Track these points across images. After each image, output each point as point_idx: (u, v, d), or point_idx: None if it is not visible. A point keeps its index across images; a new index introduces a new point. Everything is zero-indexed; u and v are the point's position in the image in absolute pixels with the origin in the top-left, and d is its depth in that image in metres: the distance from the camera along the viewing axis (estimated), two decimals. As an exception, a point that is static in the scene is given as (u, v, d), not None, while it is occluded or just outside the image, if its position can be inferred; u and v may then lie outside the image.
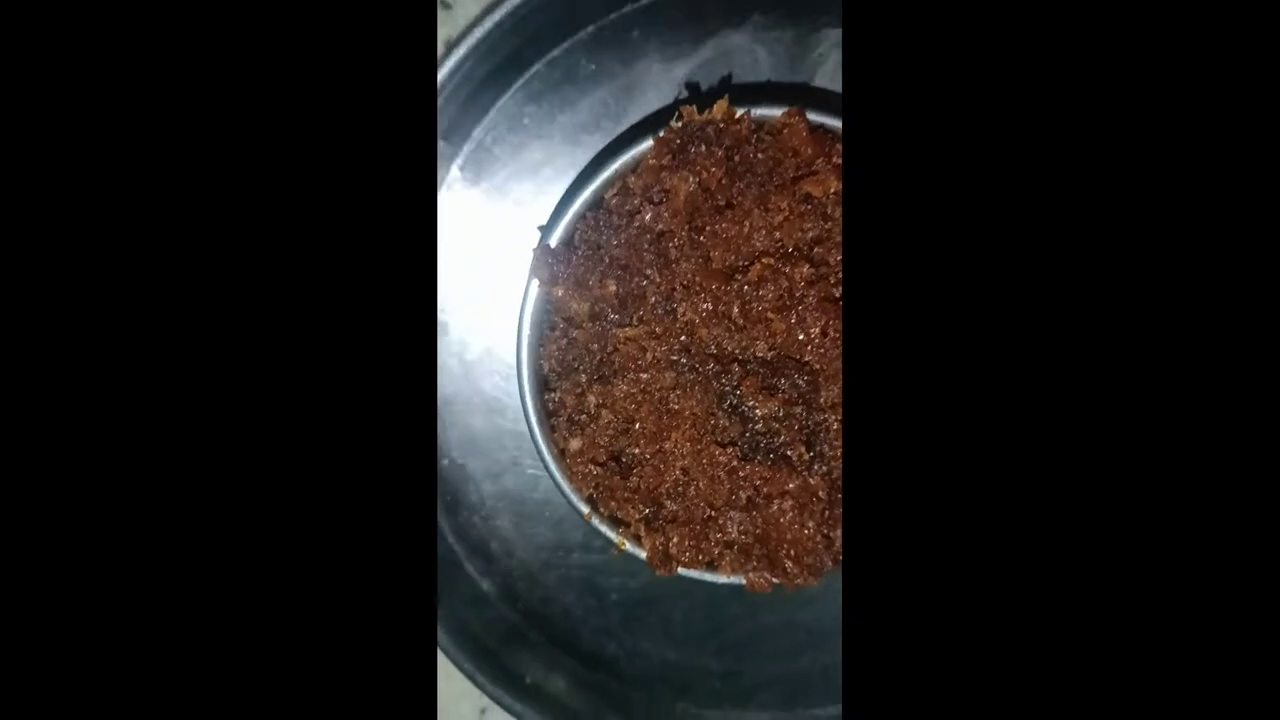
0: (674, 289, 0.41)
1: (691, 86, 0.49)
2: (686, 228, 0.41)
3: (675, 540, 0.42)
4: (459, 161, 0.51)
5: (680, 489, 0.42)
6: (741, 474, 0.40)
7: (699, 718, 0.55)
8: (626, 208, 0.42)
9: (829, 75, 0.48)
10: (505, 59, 0.49)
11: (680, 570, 0.43)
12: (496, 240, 0.52)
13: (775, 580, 0.43)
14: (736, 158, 0.40)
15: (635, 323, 0.42)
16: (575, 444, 0.43)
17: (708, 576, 0.44)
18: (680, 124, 0.41)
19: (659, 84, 0.49)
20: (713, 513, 0.42)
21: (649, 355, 0.41)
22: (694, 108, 0.41)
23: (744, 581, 0.43)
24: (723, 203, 0.41)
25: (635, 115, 0.50)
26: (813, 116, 0.41)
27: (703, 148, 0.40)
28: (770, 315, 0.40)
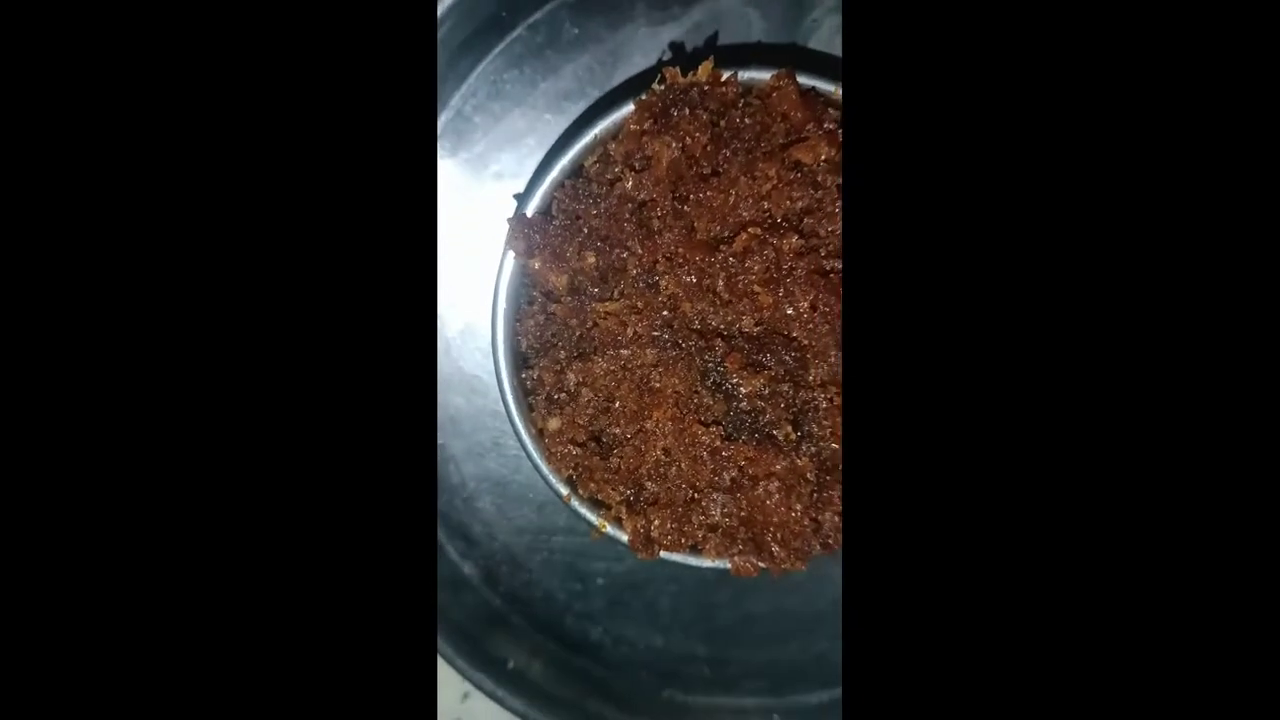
0: (656, 261, 0.40)
1: (676, 48, 0.47)
2: (669, 197, 0.39)
3: (657, 523, 0.41)
4: (437, 130, 0.50)
5: (662, 470, 0.40)
6: (725, 454, 0.39)
7: (685, 704, 0.55)
8: (607, 176, 0.40)
9: (823, 41, 0.46)
10: (484, 22, 0.47)
11: (663, 554, 0.42)
12: (476, 213, 0.50)
13: (761, 565, 0.41)
14: (722, 123, 0.38)
15: (616, 297, 0.40)
16: (554, 423, 0.42)
17: (692, 560, 0.42)
18: (663, 87, 0.39)
19: (646, 49, 0.48)
20: (695, 494, 0.40)
21: (630, 331, 0.40)
22: (677, 70, 0.39)
23: (729, 566, 0.42)
24: (707, 170, 0.39)
25: (621, 81, 0.48)
26: (804, 79, 0.39)
27: (686, 112, 0.38)
28: (757, 289, 0.38)
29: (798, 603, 0.53)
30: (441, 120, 0.50)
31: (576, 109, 0.49)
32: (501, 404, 0.43)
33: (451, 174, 0.50)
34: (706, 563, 0.42)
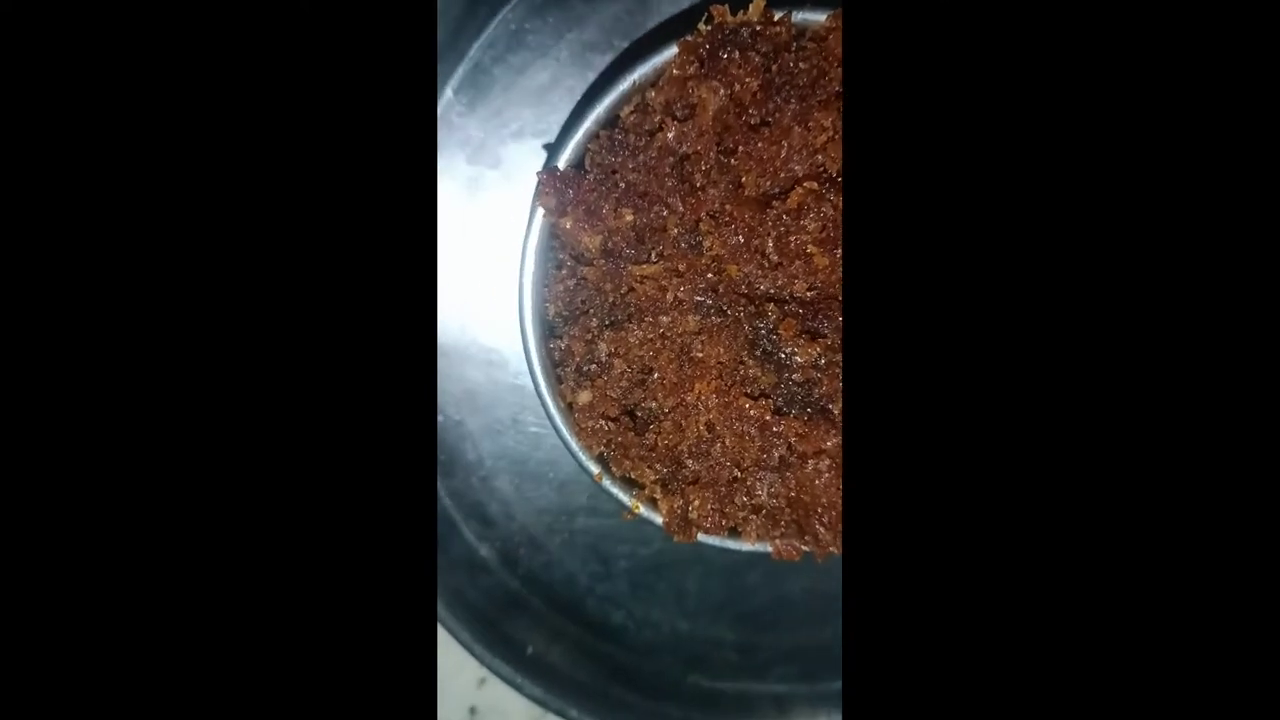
0: (699, 219, 0.37)
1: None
2: (715, 149, 0.36)
3: (696, 504, 0.38)
4: (453, 84, 0.47)
5: (704, 447, 0.37)
6: (775, 430, 0.36)
7: (712, 690, 0.53)
8: (646, 126, 0.37)
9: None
10: (506, -35, 0.44)
11: (700, 537, 0.39)
12: (495, 173, 0.47)
13: (805, 548, 0.39)
14: (774, 67, 0.35)
15: (654, 259, 0.37)
16: (584, 397, 0.39)
17: (730, 544, 0.40)
18: (710, 27, 0.36)
19: (678, -2, 0.44)
20: (740, 473, 0.38)
21: (670, 296, 0.37)
22: (725, 8, 0.36)
23: (769, 549, 0.39)
24: (757, 120, 0.36)
25: (650, 32, 0.45)
26: (863, 19, 0.35)
27: (736, 54, 0.35)
28: (811, 249, 0.35)
29: (833, 586, 0.51)
30: (458, 72, 0.47)
31: (604, 62, 0.46)
32: (522, 377, 0.41)
33: (468, 131, 0.47)
34: (746, 546, 0.40)
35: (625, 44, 0.46)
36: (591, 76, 0.46)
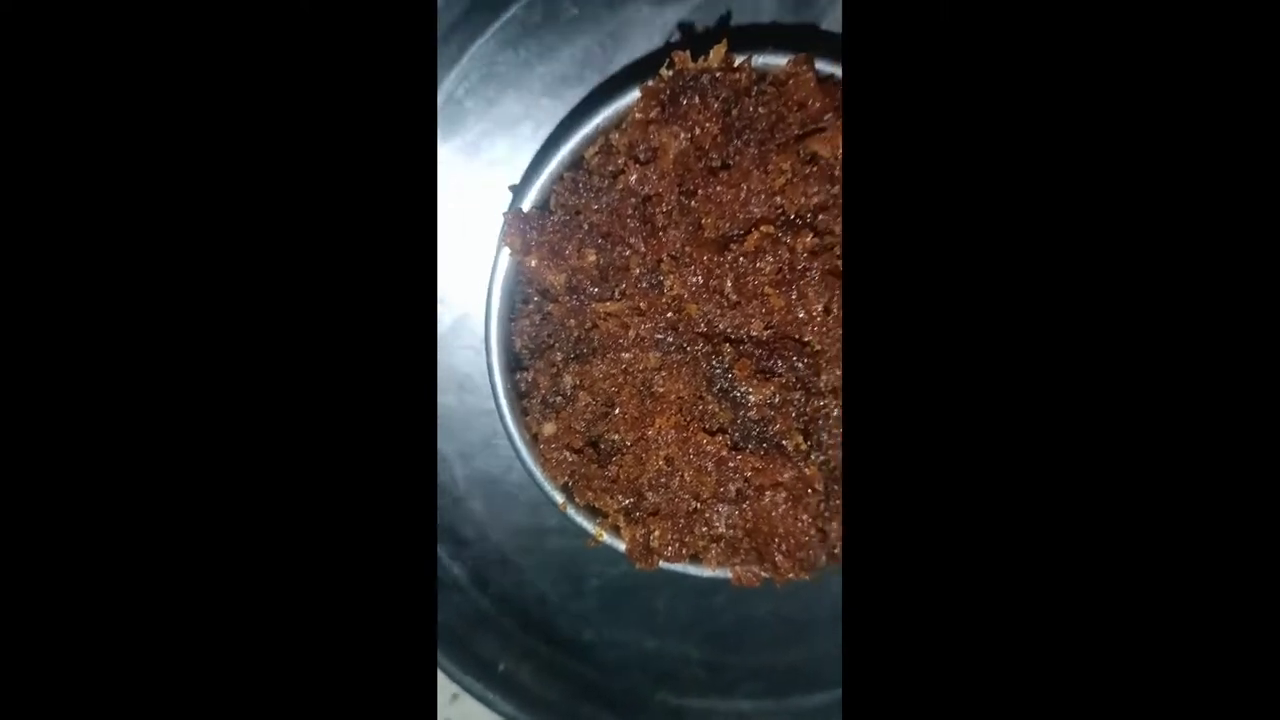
0: (660, 260, 0.37)
1: (685, 28, 0.44)
2: (676, 191, 0.37)
3: (657, 533, 0.39)
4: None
5: (664, 480, 0.38)
6: (731, 464, 0.37)
7: (680, 707, 0.54)
8: (609, 168, 0.38)
9: (838, 21, 0.44)
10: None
11: (662, 564, 0.40)
12: (469, 202, 0.48)
13: (764, 574, 0.40)
14: (734, 111, 0.36)
15: (617, 297, 0.38)
16: (549, 428, 0.40)
17: (691, 570, 0.41)
18: (671, 72, 0.36)
19: (649, 30, 0.45)
20: (699, 505, 0.39)
21: (631, 333, 0.38)
22: (687, 54, 0.37)
23: (729, 575, 0.40)
24: (717, 163, 0.37)
25: (622, 65, 0.45)
26: (822, 66, 0.36)
27: (696, 99, 0.35)
28: (768, 290, 0.36)
29: (796, 609, 0.52)
30: (432, 103, 0.47)
31: (575, 94, 0.46)
32: (493, 404, 0.41)
33: (443, 161, 0.48)
34: (706, 572, 0.41)
35: (596, 76, 0.46)
36: (562, 108, 0.47)
